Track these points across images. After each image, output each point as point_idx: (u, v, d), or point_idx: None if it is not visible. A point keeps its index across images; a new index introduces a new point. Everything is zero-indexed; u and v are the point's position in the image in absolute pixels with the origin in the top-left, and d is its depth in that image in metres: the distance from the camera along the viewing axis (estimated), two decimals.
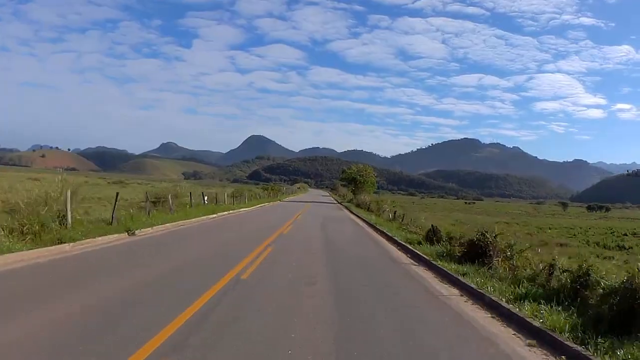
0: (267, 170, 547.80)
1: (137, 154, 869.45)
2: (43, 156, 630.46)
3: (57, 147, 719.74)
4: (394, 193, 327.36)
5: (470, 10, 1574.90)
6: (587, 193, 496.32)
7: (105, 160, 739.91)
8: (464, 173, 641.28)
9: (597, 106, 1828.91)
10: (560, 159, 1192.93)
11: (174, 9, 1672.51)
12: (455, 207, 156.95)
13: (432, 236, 22.67)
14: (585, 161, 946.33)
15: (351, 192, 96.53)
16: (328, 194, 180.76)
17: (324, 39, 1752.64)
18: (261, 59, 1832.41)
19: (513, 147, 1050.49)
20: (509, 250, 15.20)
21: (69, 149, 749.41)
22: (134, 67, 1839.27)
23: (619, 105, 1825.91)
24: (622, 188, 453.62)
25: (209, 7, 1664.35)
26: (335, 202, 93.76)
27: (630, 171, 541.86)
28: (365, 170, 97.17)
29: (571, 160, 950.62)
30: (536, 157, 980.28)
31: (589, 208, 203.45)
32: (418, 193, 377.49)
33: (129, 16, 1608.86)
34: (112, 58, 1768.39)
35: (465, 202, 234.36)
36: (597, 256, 27.98)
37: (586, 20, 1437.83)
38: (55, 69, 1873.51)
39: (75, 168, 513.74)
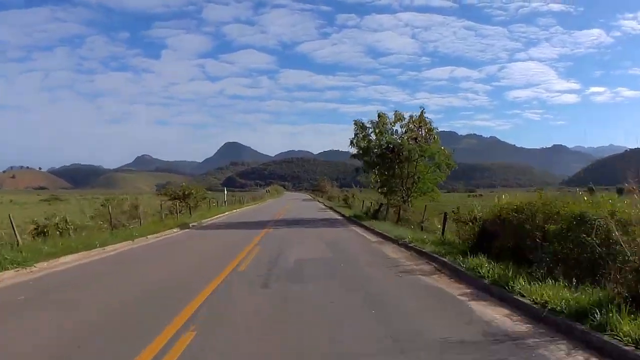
0: (241, 175, 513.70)
1: (112, 168, 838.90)
2: (13, 177, 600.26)
3: (27, 167, 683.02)
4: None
5: (438, 3, 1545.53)
6: (579, 176, 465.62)
7: (79, 177, 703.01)
8: None
9: (571, 91, 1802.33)
10: (538, 145, 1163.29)
11: (140, 20, 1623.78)
12: (467, 202, 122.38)
13: None
14: (565, 146, 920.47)
15: (379, 189, 40.32)
16: (311, 197, 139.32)
17: (292, 41, 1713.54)
18: (231, 65, 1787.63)
19: (490, 136, 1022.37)
20: None
21: (39, 168, 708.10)
22: (103, 82, 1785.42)
23: (593, 89, 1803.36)
24: (615, 169, 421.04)
25: (176, 17, 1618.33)
26: (338, 214, 46.78)
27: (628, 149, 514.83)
28: (420, 122, 38.29)
29: (550, 146, 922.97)
30: (514, 145, 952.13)
31: (619, 191, 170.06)
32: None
33: (95, 31, 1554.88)
34: (81, 74, 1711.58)
35: (468, 195, 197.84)
36: None
37: (555, 7, 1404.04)
38: (24, 89, 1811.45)
39: (44, 187, 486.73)
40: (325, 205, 72.72)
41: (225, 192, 74.24)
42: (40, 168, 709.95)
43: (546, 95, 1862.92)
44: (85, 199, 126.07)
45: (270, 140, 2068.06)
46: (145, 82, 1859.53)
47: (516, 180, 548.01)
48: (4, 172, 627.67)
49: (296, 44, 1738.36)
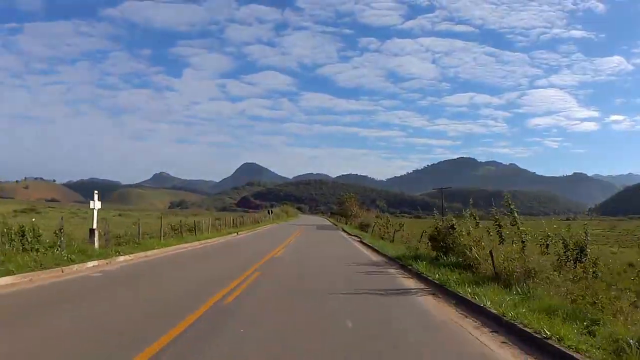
0: (257, 196, 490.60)
1: (130, 184, 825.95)
2: (26, 187, 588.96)
3: (41, 178, 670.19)
4: (397, 216, 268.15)
5: (459, 28, 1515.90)
6: (606, 205, 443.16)
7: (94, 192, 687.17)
8: (468, 191, 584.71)
9: (591, 119, 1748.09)
10: (557, 173, 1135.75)
11: (163, 38, 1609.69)
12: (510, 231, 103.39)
13: None
14: (585, 174, 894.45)
15: None
16: (331, 223, 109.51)
17: (314, 64, 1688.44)
18: (252, 86, 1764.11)
19: (510, 164, 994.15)
20: None
21: (54, 180, 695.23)
22: (125, 98, 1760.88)
23: (613, 117, 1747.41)
24: None
25: (199, 36, 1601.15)
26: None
27: None
28: None
29: (570, 174, 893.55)
30: (534, 172, 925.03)
31: None
32: (427, 216, 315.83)
33: (118, 46, 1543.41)
34: (102, 89, 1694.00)
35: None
36: None
37: (576, 33, 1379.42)
38: (47, 101, 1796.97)
39: (55, 199, 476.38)
40: (371, 249, 36.48)
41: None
42: (54, 180, 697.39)
43: (566, 123, 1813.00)
44: (73, 212, 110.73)
45: (288, 163, 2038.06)
46: (167, 100, 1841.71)
47: (541, 208, 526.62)
48: (17, 182, 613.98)
49: (317, 67, 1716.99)
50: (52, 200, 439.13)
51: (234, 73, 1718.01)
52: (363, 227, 66.20)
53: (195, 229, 40.84)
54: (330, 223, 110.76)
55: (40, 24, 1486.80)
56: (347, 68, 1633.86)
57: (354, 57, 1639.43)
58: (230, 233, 47.62)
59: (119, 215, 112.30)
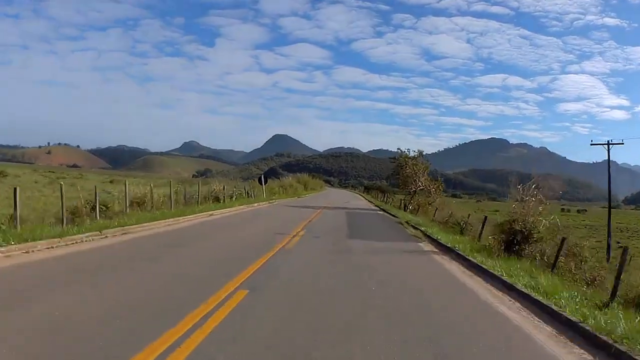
0: (285, 167, 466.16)
1: (159, 152, 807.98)
2: (49, 153, 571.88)
3: (65, 144, 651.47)
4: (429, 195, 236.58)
5: (495, 9, 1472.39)
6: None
7: (121, 159, 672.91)
8: (501, 172, 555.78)
9: (620, 107, 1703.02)
10: (586, 159, 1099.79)
11: (196, 7, 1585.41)
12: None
13: None
14: (615, 162, 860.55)
15: None
16: (380, 208, 60.93)
17: (348, 38, 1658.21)
18: (286, 58, 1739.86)
19: (540, 147, 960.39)
20: None
21: (78, 146, 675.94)
22: (156, 66, 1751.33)
23: None
24: None
25: (232, 6, 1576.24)
26: None
27: None
28: None
29: (600, 161, 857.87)
30: (565, 157, 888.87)
31: None
32: (464, 195, 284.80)
33: (150, 14, 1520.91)
34: (133, 57, 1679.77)
35: (563, 210, 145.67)
36: None
37: (610, 21, 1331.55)
38: (76, 67, 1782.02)
39: (77, 165, 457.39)
40: None
41: None
42: (78, 146, 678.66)
43: (596, 110, 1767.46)
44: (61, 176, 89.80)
45: (319, 136, 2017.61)
46: (199, 69, 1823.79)
47: (575, 194, 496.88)
48: (39, 147, 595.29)
49: (352, 41, 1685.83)
50: (74, 166, 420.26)
51: (268, 44, 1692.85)
52: (510, 237, 18.37)
53: None
54: (370, 205, 68.24)
55: None
56: (381, 43, 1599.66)
57: (388, 33, 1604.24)
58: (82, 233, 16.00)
59: (110, 182, 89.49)
